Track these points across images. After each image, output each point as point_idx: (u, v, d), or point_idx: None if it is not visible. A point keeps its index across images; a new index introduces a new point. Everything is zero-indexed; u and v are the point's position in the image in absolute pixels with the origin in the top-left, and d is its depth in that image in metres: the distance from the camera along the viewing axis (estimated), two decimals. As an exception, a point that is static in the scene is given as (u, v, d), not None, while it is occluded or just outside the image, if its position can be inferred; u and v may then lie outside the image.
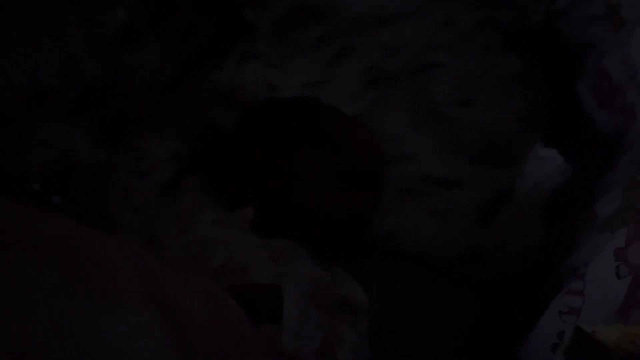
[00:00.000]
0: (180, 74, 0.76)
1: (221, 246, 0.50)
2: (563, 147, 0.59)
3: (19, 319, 0.33)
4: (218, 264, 0.48)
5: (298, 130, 0.58)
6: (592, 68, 0.62)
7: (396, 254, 0.63)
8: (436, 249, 0.61)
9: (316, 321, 0.46)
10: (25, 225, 0.39)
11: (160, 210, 0.57)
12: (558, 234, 0.54)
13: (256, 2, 0.75)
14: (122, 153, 0.67)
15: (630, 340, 0.30)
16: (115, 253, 0.40)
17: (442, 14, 0.78)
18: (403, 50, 0.76)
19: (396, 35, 0.77)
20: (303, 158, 0.57)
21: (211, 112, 0.73)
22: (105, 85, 0.67)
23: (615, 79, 0.56)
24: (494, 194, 0.59)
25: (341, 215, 0.56)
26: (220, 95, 0.73)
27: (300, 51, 0.76)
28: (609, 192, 0.48)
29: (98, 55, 0.65)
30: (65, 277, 0.36)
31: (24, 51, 0.55)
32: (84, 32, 0.62)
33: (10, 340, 0.32)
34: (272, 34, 0.76)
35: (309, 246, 0.55)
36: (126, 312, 0.36)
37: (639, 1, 0.58)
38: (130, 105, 0.72)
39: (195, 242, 0.51)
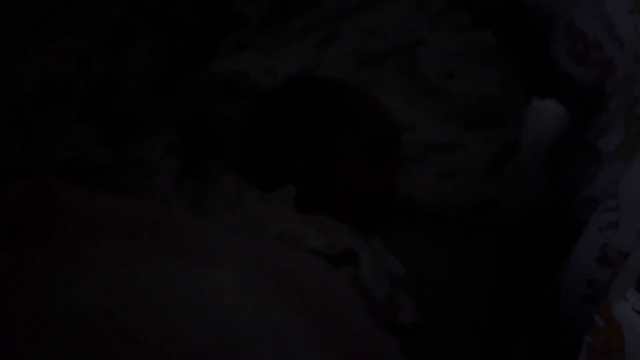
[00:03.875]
0: (174, 70, 0.77)
1: (274, 219, 0.51)
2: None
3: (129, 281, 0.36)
4: (274, 235, 0.50)
5: (320, 108, 0.61)
6: (564, 31, 0.69)
7: (413, 215, 0.67)
8: (450, 205, 0.66)
9: (383, 277, 0.50)
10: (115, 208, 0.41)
11: (195, 193, 0.58)
12: (560, 176, 0.61)
13: (244, -6, 0.77)
14: (124, 157, 0.66)
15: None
16: (203, 226, 0.43)
17: (413, -1, 0.84)
18: (384, 33, 0.81)
19: (375, 20, 0.82)
20: (330, 135, 0.59)
21: (213, 103, 0.75)
22: (107, 85, 0.67)
23: (591, 36, 0.63)
24: (500, 147, 0.65)
25: (373, 186, 0.58)
26: (221, 86, 0.74)
27: (288, 39, 0.80)
28: (606, 132, 0.55)
29: (101, 53, 0.65)
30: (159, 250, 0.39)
31: (39, 47, 0.55)
32: (88, 29, 0.62)
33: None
34: (261, 25, 0.78)
35: (344, 220, 0.56)
36: (212, 266, 0.39)
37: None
38: (129, 105, 0.72)
39: (248, 216, 0.52)
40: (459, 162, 0.69)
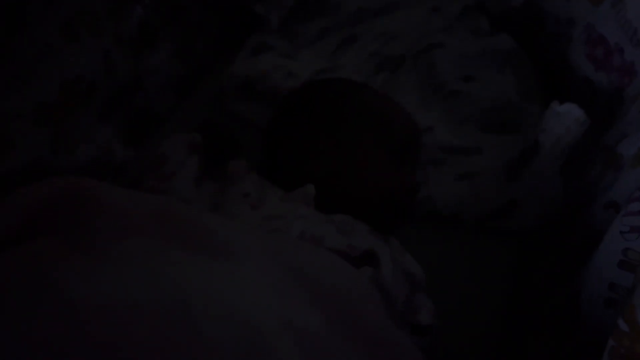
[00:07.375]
0: (194, 71, 0.78)
1: (295, 219, 0.52)
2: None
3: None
4: (296, 235, 0.51)
5: (342, 110, 0.61)
6: (583, 36, 0.70)
7: (431, 217, 0.68)
8: (468, 208, 0.67)
9: (403, 278, 0.50)
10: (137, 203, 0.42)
11: (216, 193, 0.58)
12: (578, 181, 0.61)
13: (264, -3, 0.78)
14: (146, 156, 0.66)
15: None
16: (226, 224, 0.43)
17: (430, 2, 0.84)
18: (402, 36, 0.82)
19: (393, 24, 0.83)
20: (351, 136, 0.59)
21: (233, 104, 0.76)
22: (130, 85, 0.68)
23: (612, 42, 0.64)
24: (518, 151, 0.65)
25: (396, 188, 0.58)
26: (241, 87, 0.75)
27: (308, 42, 0.80)
28: (627, 136, 0.56)
29: (125, 53, 0.66)
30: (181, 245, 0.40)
31: (66, 47, 0.56)
32: (113, 29, 0.63)
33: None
34: (281, 27, 0.79)
35: (364, 219, 0.56)
36: (236, 264, 0.39)
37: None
38: (151, 104, 0.73)
39: (271, 216, 0.53)
40: (477, 165, 0.69)
